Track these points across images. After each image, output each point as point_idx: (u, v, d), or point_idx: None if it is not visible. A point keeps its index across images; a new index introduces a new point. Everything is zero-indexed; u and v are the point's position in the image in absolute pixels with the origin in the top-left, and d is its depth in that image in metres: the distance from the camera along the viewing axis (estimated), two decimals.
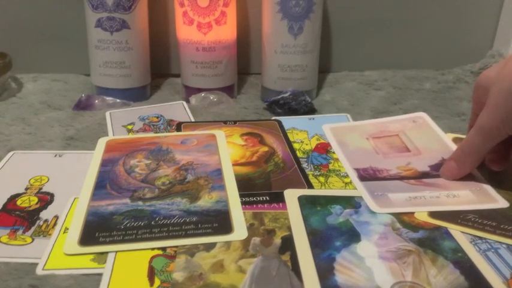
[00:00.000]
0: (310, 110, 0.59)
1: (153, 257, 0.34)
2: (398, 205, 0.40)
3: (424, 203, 0.41)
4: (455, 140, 0.51)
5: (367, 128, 0.54)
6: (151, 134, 0.53)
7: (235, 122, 0.55)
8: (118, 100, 0.61)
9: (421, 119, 0.54)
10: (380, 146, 0.50)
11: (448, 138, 0.50)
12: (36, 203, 0.41)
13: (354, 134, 0.53)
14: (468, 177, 0.44)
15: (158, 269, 0.33)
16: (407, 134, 0.51)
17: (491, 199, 0.41)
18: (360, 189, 0.43)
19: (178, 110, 0.59)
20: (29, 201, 0.41)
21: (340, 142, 0.51)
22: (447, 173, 0.44)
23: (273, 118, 0.57)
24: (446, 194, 0.42)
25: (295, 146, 0.50)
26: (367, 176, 0.45)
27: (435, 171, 0.45)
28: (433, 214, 0.39)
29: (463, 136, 0.53)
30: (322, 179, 0.45)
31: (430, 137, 0.51)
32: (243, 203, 0.40)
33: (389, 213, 0.39)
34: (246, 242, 0.36)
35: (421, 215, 0.39)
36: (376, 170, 0.46)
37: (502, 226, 0.38)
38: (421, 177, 0.44)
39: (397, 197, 0.41)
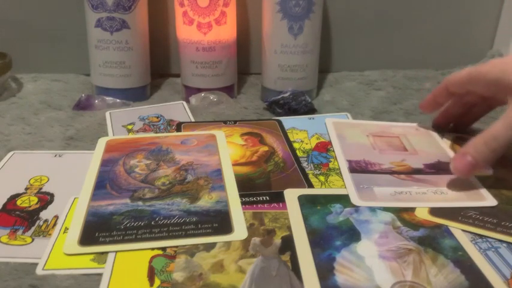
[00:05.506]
0: (310, 110, 0.59)
1: (153, 257, 0.34)
2: (381, 199, 0.40)
3: (409, 198, 0.41)
4: (455, 140, 0.51)
5: (370, 127, 0.54)
6: (151, 134, 0.53)
7: (235, 122, 0.55)
8: (118, 100, 0.60)
9: (423, 128, 0.54)
10: (379, 143, 0.50)
11: (448, 146, 0.50)
12: (36, 203, 0.41)
13: (355, 130, 0.53)
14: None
15: (158, 269, 0.33)
16: (408, 138, 0.51)
17: (480, 197, 0.41)
18: (346, 181, 0.43)
19: (178, 110, 0.59)
20: (29, 201, 0.41)
21: (340, 135, 0.51)
22: (461, 167, 0.41)
23: (273, 118, 0.57)
24: (434, 190, 0.42)
25: (295, 145, 0.50)
26: (358, 168, 0.45)
27: (429, 169, 0.45)
28: (433, 211, 0.39)
29: (463, 136, 0.53)
30: (322, 178, 0.45)
31: (430, 142, 0.51)
32: (243, 203, 0.40)
33: (387, 211, 0.39)
34: (246, 242, 0.36)
35: (421, 213, 0.39)
36: (369, 163, 0.46)
37: (502, 223, 0.38)
38: (413, 173, 0.44)
39: (382, 191, 0.41)
